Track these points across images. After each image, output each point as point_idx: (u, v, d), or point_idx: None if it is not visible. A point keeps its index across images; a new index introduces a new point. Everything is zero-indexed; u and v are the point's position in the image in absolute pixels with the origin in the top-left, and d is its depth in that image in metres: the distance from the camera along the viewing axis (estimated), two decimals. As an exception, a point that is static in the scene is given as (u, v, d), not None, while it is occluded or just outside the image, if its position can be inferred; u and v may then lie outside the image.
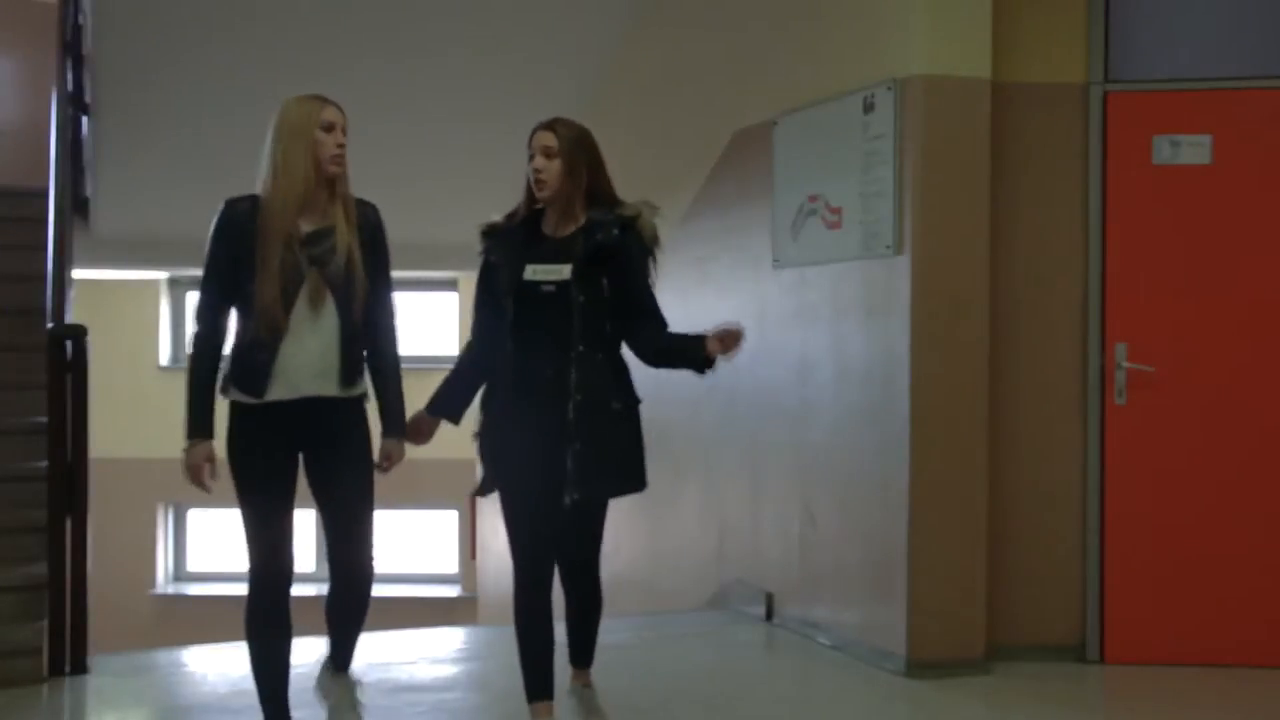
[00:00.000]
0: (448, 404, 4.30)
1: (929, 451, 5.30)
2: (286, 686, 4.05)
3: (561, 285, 4.08)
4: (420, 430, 4.25)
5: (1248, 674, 5.37)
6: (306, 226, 3.87)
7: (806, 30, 6.08)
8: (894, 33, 5.47)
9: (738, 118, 6.62)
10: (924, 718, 5.01)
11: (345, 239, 3.89)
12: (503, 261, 4.17)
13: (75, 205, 7.70)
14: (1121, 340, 5.52)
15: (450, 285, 13.30)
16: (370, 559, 4.04)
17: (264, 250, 3.80)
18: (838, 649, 5.74)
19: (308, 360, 3.86)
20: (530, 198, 4.20)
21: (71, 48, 7.65)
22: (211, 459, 3.88)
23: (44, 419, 5.42)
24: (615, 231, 4.10)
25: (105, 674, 5.41)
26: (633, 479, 4.20)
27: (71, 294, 6.92)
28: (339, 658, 4.24)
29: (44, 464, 5.40)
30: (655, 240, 4.18)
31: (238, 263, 3.83)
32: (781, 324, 6.12)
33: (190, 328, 3.90)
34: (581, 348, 4.07)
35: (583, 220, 4.15)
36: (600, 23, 7.67)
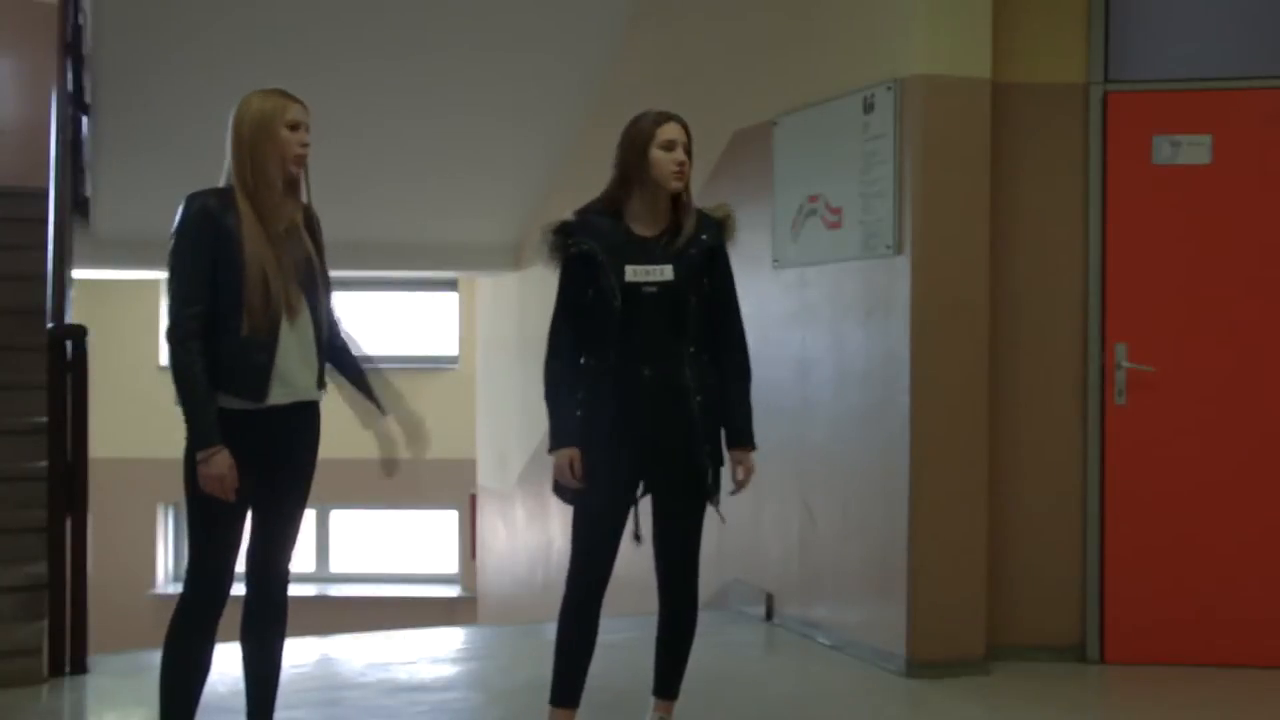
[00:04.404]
0: (580, 430, 4.02)
1: (929, 451, 5.30)
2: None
3: (664, 286, 3.98)
4: (573, 468, 3.98)
5: (1248, 674, 5.37)
6: (279, 227, 3.78)
7: (806, 30, 6.08)
8: (894, 33, 5.47)
9: (738, 117, 6.61)
10: (924, 718, 5.01)
11: (307, 241, 3.83)
12: (603, 255, 3.96)
13: (75, 205, 7.71)
14: (1121, 340, 5.52)
15: (450, 285, 13.30)
16: (288, 568, 3.96)
17: (250, 251, 3.67)
18: (838, 649, 5.74)
19: (298, 363, 3.78)
20: (616, 193, 4.04)
21: (71, 48, 7.65)
22: (234, 466, 3.67)
23: (44, 419, 5.43)
24: (716, 231, 4.05)
25: (105, 674, 5.41)
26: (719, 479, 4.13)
27: (71, 294, 6.92)
28: (257, 678, 4.04)
29: (44, 464, 5.41)
30: (732, 240, 4.14)
31: (215, 263, 3.68)
32: (781, 324, 6.12)
33: (173, 331, 3.69)
34: (693, 349, 4.03)
35: (668, 220, 4.04)
36: (601, 23, 7.67)
